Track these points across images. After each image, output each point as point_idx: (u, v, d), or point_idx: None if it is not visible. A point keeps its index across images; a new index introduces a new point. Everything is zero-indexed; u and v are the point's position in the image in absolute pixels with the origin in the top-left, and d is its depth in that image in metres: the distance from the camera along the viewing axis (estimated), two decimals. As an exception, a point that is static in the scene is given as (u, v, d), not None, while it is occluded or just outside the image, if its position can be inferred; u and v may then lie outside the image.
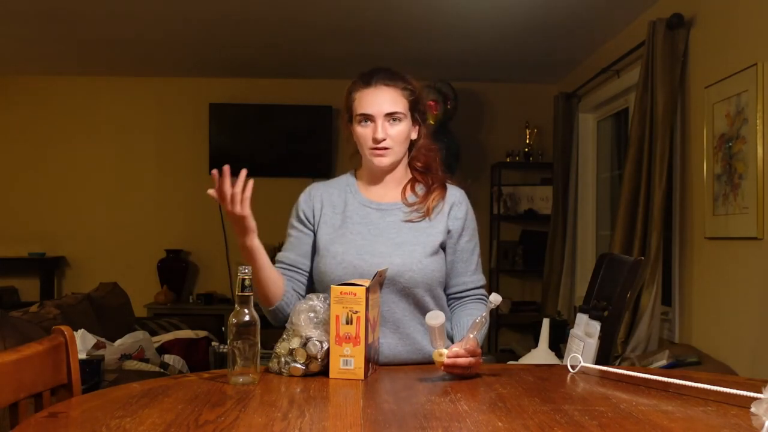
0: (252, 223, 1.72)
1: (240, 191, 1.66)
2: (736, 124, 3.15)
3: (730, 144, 3.19)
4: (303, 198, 1.98)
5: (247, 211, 1.69)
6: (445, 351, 1.61)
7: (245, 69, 5.85)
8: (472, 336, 1.62)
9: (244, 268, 1.56)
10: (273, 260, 1.88)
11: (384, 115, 1.87)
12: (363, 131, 1.89)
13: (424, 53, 5.19)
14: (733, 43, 3.25)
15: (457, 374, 1.63)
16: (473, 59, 5.43)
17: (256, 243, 1.76)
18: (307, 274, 1.94)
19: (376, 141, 1.87)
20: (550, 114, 5.76)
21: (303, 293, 1.91)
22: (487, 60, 5.45)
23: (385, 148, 1.88)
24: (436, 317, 1.62)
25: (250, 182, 1.68)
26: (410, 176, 1.99)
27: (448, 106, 5.57)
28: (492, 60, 5.45)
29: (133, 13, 4.42)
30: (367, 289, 1.60)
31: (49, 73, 6.04)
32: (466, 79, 5.92)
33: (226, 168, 1.65)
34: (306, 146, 6.09)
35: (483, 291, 2.00)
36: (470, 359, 1.61)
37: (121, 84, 6.15)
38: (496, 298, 1.63)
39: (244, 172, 1.67)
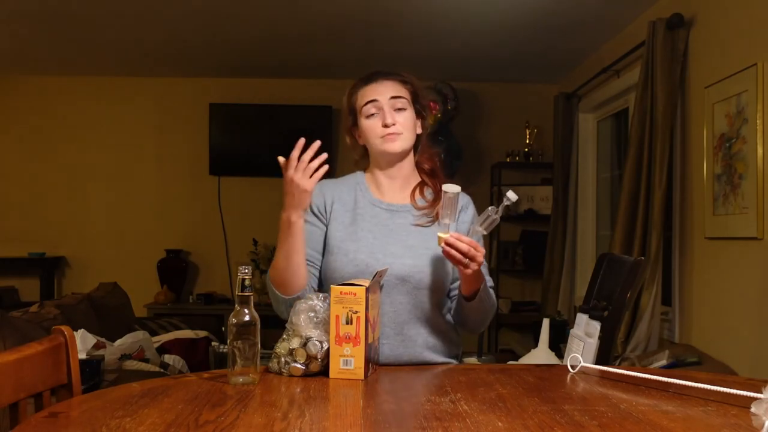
0: (308, 200, 1.73)
1: (308, 159, 1.69)
2: (736, 124, 3.15)
3: (730, 144, 3.19)
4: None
5: (309, 186, 1.70)
6: (450, 232, 1.66)
7: (245, 69, 5.85)
8: (479, 227, 1.67)
9: (244, 268, 1.56)
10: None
11: (389, 99, 1.90)
12: (371, 122, 1.91)
13: (424, 53, 5.19)
14: (733, 43, 3.25)
15: (455, 261, 1.68)
16: (473, 59, 5.42)
17: (301, 222, 1.75)
18: (320, 269, 1.92)
19: (386, 126, 1.88)
20: (550, 114, 5.76)
21: (316, 288, 1.89)
22: (487, 60, 5.45)
23: (396, 133, 1.89)
24: (453, 188, 1.67)
25: (323, 156, 1.70)
26: (418, 178, 2.00)
27: (449, 107, 5.57)
28: (492, 60, 5.44)
29: (133, 14, 4.42)
30: (367, 289, 1.60)
31: (50, 73, 6.04)
32: (466, 79, 5.92)
33: (302, 141, 1.71)
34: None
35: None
36: (469, 247, 1.67)
37: (121, 84, 6.15)
38: (512, 196, 1.61)
39: (316, 144, 1.71)
